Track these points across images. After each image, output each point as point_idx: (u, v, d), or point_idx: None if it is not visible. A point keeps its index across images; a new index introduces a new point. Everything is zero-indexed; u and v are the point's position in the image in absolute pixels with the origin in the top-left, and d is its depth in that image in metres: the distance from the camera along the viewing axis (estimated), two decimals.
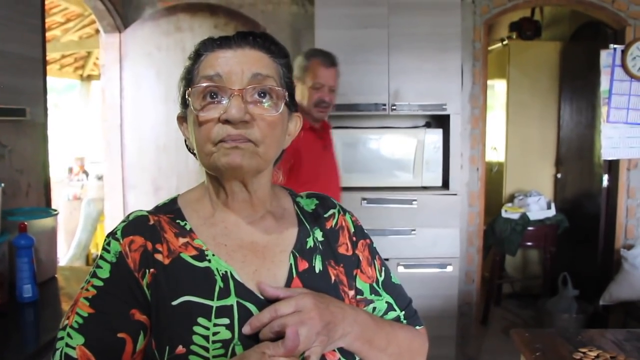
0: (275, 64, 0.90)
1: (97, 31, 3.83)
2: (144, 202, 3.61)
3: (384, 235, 3.05)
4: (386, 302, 1.01)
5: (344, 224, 1.03)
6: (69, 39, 6.20)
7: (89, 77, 7.71)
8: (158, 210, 0.92)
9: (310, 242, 0.96)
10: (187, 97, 0.87)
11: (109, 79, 3.71)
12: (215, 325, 0.81)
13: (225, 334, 0.81)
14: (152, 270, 0.83)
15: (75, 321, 0.81)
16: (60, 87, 8.31)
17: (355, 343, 0.87)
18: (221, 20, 3.51)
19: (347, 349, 0.88)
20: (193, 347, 0.79)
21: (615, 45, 3.56)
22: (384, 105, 3.13)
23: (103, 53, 3.73)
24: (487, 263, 4.23)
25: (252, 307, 0.84)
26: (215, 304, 0.82)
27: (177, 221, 0.90)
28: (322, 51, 2.42)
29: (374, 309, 1.00)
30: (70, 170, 6.30)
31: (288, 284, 0.89)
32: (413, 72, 3.11)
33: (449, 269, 3.10)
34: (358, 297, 0.98)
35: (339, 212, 1.05)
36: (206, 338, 0.80)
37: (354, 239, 1.03)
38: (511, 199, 4.65)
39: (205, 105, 0.85)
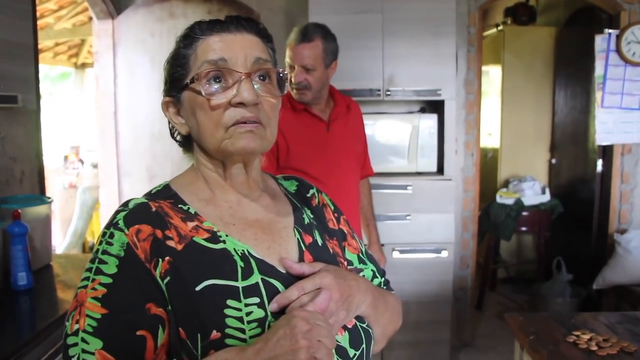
0: (267, 47, 0.92)
1: (91, 18, 3.80)
2: (139, 189, 3.59)
3: (379, 221, 3.05)
4: (371, 270, 1.07)
5: (324, 202, 1.09)
6: (62, 26, 6.15)
7: (83, 65, 7.65)
8: (155, 196, 0.89)
9: (306, 219, 1.00)
10: (188, 83, 0.87)
11: (103, 66, 3.69)
12: (246, 305, 0.80)
13: (258, 313, 0.80)
14: (167, 258, 0.81)
15: (88, 324, 0.76)
16: (54, 76, 8.25)
17: (367, 310, 0.92)
18: (215, 6, 3.49)
19: (360, 315, 0.92)
20: (228, 330, 0.78)
21: (610, 30, 3.56)
22: (379, 90, 3.12)
23: (96, 40, 3.70)
24: (481, 248, 4.25)
25: (277, 283, 0.84)
26: (240, 284, 0.81)
27: (180, 206, 0.88)
28: (303, 26, 2.15)
29: (363, 276, 1.02)
30: (66, 158, 6.29)
31: (300, 257, 0.92)
32: (407, 57, 3.10)
33: (444, 254, 3.12)
34: (350, 267, 1.03)
35: (317, 192, 1.10)
36: (240, 319, 0.79)
37: (336, 215, 1.09)
38: (506, 184, 4.67)
39: (212, 90, 0.85)
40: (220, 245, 0.84)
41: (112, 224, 0.82)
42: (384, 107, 3.44)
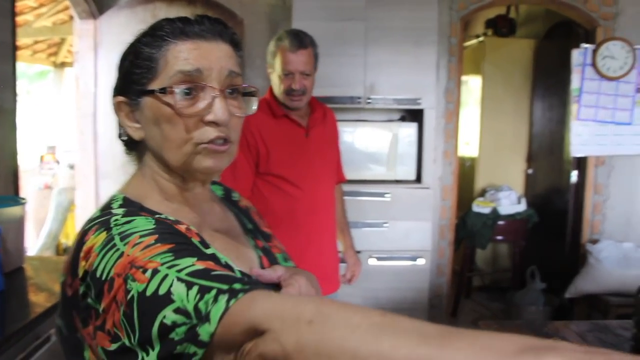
0: (238, 57, 0.87)
1: (72, 17, 3.77)
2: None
3: (357, 228, 3.08)
4: (294, 266, 1.06)
5: (248, 205, 1.10)
6: (42, 24, 6.07)
7: (63, 64, 7.55)
8: (130, 212, 0.79)
9: (247, 223, 1.01)
10: (156, 90, 0.80)
11: (83, 67, 3.66)
12: None
13: None
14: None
15: (163, 260, 0.67)
16: (32, 74, 8.14)
17: None
18: (198, 9, 3.48)
19: None
20: None
21: (587, 45, 3.64)
22: (360, 98, 3.15)
23: (77, 40, 3.67)
24: (458, 256, 4.29)
25: None
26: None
27: (156, 215, 0.81)
28: (293, 33, 2.12)
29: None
30: (42, 158, 6.19)
31: (260, 262, 0.92)
32: (389, 65, 3.13)
33: (421, 261, 3.15)
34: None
35: (239, 195, 1.10)
36: None
37: (258, 217, 1.09)
38: (483, 193, 4.72)
39: (184, 103, 0.79)
40: (210, 250, 0.80)
41: (109, 223, 0.75)
42: (365, 114, 3.47)
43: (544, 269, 4.07)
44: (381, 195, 3.11)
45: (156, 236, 0.70)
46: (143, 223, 0.74)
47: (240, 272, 0.80)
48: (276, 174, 2.09)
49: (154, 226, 0.74)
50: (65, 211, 5.32)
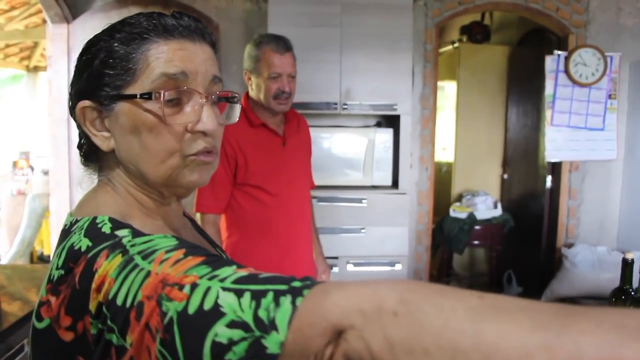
0: (216, 60, 0.79)
1: (45, 21, 3.71)
2: None
3: (334, 234, 3.08)
4: None
5: (188, 213, 1.03)
6: (14, 27, 5.97)
7: (36, 69, 7.44)
8: (137, 232, 0.68)
9: (206, 235, 0.96)
10: (137, 96, 0.71)
11: (56, 71, 3.61)
12: None
13: None
14: None
15: (201, 276, 0.56)
16: (4, 78, 8.01)
17: None
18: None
19: None
20: None
21: (559, 52, 3.69)
22: (335, 104, 3.15)
23: (50, 44, 3.63)
24: (435, 261, 4.31)
25: None
26: None
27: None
28: (273, 36, 2.09)
29: None
30: (15, 164, 6.09)
31: None
32: (365, 71, 3.14)
33: (398, 267, 3.15)
34: None
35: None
36: None
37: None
38: (459, 198, 4.76)
39: (169, 111, 0.72)
40: None
41: (123, 245, 0.64)
42: (341, 120, 3.48)
43: (520, 272, 4.11)
44: (358, 201, 3.12)
45: (184, 250, 0.60)
46: (163, 240, 0.63)
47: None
48: (254, 185, 2.06)
49: (176, 242, 0.63)
50: (40, 218, 5.23)
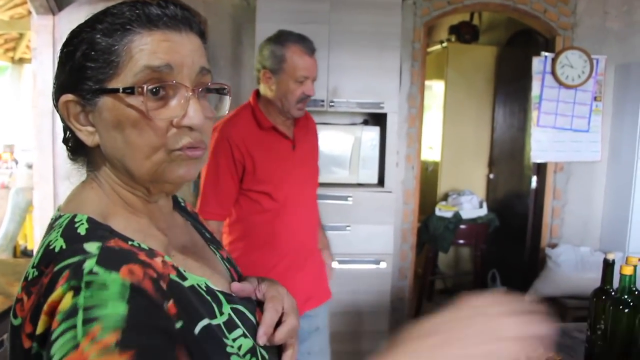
0: (205, 50, 0.76)
1: (30, 12, 3.67)
2: None
3: None
4: None
5: (192, 209, 1.00)
6: None
7: (21, 60, 7.36)
8: (96, 235, 0.66)
9: (204, 232, 0.93)
10: (120, 90, 0.68)
11: (41, 63, 3.57)
12: (234, 339, 0.73)
13: (247, 344, 0.74)
14: (171, 300, 0.66)
15: None
16: None
17: None
18: None
19: None
20: None
21: (546, 53, 3.72)
22: (322, 101, 3.14)
23: (35, 36, 3.58)
24: (420, 259, 4.33)
25: (242, 309, 0.78)
26: (220, 320, 0.73)
27: (130, 243, 0.68)
28: (298, 35, 1.95)
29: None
30: None
31: (231, 275, 0.87)
32: (352, 69, 3.14)
33: (383, 265, 3.16)
34: None
35: (183, 199, 0.98)
36: (238, 355, 0.72)
37: (203, 221, 1.01)
38: (445, 197, 4.77)
39: (153, 105, 0.69)
40: (188, 282, 0.71)
41: (88, 272, 0.60)
42: (328, 117, 3.47)
43: (504, 272, 4.14)
44: (344, 198, 3.11)
45: (119, 334, 0.55)
46: (114, 301, 0.58)
47: (223, 293, 0.77)
48: (260, 191, 1.94)
49: (124, 312, 0.57)
50: (23, 212, 5.19)
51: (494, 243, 4.51)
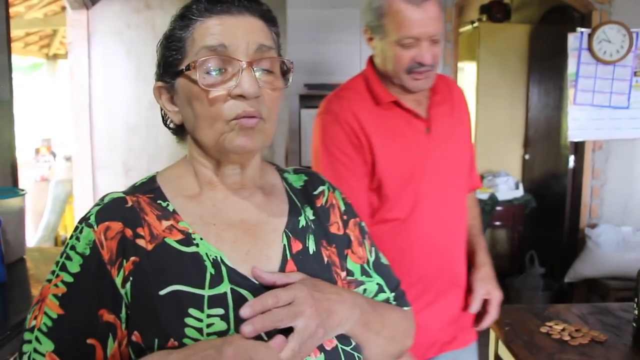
0: (272, 33, 0.83)
1: (63, 8, 3.74)
2: (115, 183, 3.57)
3: None
4: (377, 283, 0.95)
5: (334, 201, 0.96)
6: (33, 16, 6.02)
7: (55, 56, 7.50)
8: (135, 189, 0.83)
9: (302, 221, 0.89)
10: (184, 69, 0.78)
11: (77, 57, 3.64)
12: (209, 316, 0.75)
13: (220, 325, 0.75)
14: (133, 258, 0.75)
15: (44, 323, 0.73)
16: (25, 66, 8.09)
17: (355, 327, 0.83)
18: None
19: (345, 334, 0.82)
20: (186, 341, 0.73)
21: (582, 29, 3.62)
22: None
23: (70, 30, 3.65)
24: None
25: (246, 294, 0.77)
26: (207, 292, 0.76)
27: (159, 202, 0.81)
28: None
29: (365, 290, 0.93)
30: (37, 151, 6.17)
31: (282, 266, 0.83)
32: None
33: None
34: (349, 278, 0.92)
35: (328, 190, 0.97)
36: (200, 330, 0.74)
37: (345, 217, 0.96)
38: (480, 179, 4.72)
39: (211, 80, 0.77)
40: (192, 249, 0.78)
41: (84, 219, 0.78)
42: None
43: (542, 254, 4.09)
44: None
45: (65, 290, 0.74)
46: (78, 253, 0.76)
47: (234, 271, 0.78)
48: (377, 193, 1.45)
49: (77, 269, 0.75)
50: (63, 203, 5.31)
51: (531, 224, 4.46)
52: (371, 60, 1.52)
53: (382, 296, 0.95)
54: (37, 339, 0.73)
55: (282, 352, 0.71)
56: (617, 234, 3.58)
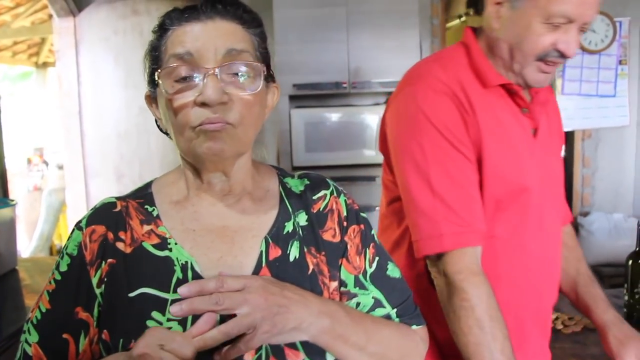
0: (249, 35, 0.81)
1: (51, 16, 3.73)
2: (107, 190, 3.56)
3: None
4: (373, 297, 0.87)
5: (334, 207, 0.90)
6: (21, 24, 6.00)
7: (45, 64, 7.48)
8: (129, 195, 0.87)
9: (288, 227, 0.86)
10: (157, 78, 0.78)
11: (65, 65, 3.63)
12: (168, 320, 0.75)
13: (177, 329, 0.74)
14: (110, 260, 0.79)
15: (36, 316, 0.80)
16: (14, 75, 8.06)
17: (322, 337, 0.77)
18: (179, 3, 3.45)
19: (313, 343, 0.77)
20: None
21: None
22: (345, 83, 3.14)
23: (57, 38, 3.64)
24: None
25: None
26: (171, 296, 0.76)
27: (146, 207, 0.84)
28: None
29: (358, 304, 0.87)
30: (29, 161, 6.16)
31: (255, 273, 0.80)
32: (372, 50, 3.13)
33: None
34: (342, 289, 0.87)
35: (331, 194, 0.91)
36: None
37: (345, 223, 0.89)
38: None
39: (178, 88, 0.76)
40: (165, 253, 0.80)
41: (77, 222, 0.83)
42: (351, 99, 3.47)
43: None
44: (371, 179, 3.13)
45: (54, 287, 0.81)
46: (67, 254, 0.81)
47: (199, 277, 0.78)
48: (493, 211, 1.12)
49: (65, 269, 0.81)
50: (57, 212, 5.30)
51: None
52: (473, 32, 1.21)
53: (380, 311, 0.88)
54: (28, 330, 0.80)
55: (207, 333, 0.69)
56: (609, 221, 3.61)
